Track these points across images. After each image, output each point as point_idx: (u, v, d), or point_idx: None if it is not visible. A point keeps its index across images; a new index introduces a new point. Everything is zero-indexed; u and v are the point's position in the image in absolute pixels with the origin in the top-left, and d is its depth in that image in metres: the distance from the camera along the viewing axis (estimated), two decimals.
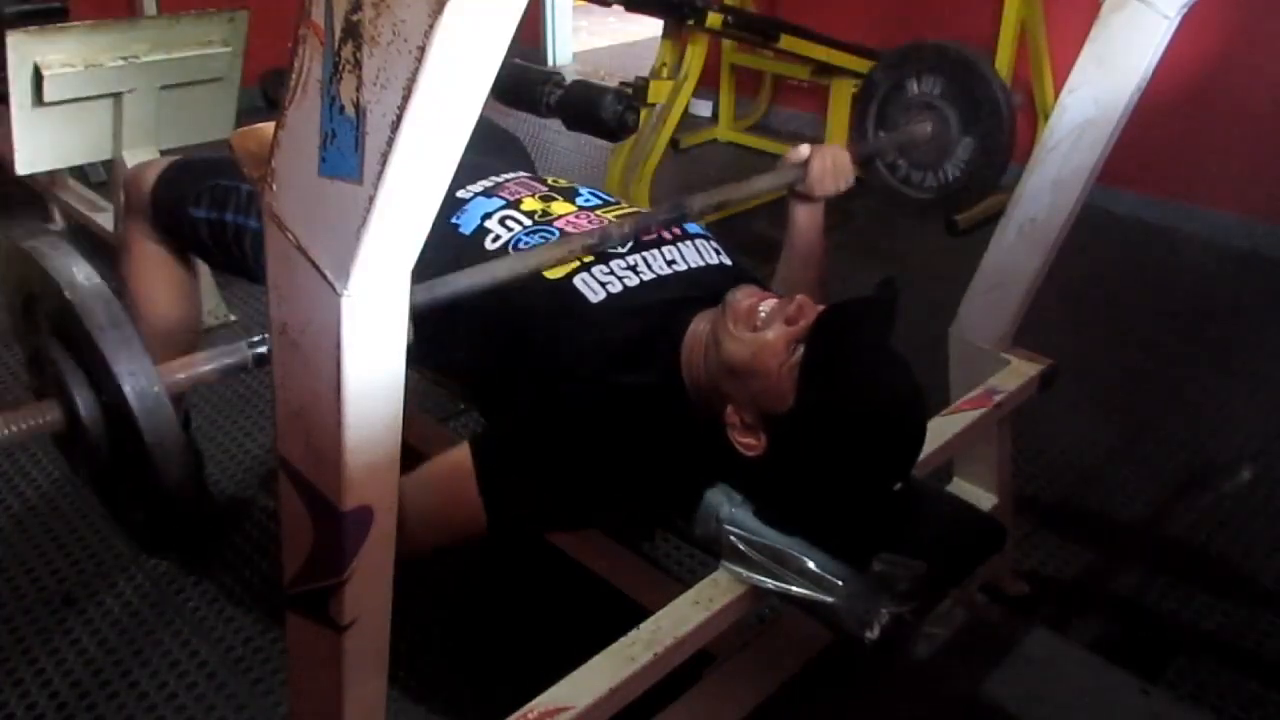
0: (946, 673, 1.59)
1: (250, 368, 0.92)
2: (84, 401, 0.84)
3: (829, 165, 1.39)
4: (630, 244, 1.27)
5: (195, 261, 1.57)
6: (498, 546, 1.82)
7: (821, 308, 1.07)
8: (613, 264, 1.24)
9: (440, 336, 1.21)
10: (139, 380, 0.79)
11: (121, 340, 0.79)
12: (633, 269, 1.24)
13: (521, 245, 1.25)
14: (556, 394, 1.16)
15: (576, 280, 1.21)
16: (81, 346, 0.82)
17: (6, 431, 0.84)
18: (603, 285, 1.21)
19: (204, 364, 0.91)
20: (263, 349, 0.91)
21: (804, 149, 1.41)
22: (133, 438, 0.80)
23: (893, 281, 1.08)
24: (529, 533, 1.62)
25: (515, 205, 1.32)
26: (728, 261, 1.34)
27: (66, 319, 0.81)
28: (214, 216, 1.42)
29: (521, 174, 1.43)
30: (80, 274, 0.81)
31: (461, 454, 1.12)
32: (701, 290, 1.24)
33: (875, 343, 1.07)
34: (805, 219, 1.43)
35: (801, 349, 1.04)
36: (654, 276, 1.25)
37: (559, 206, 1.33)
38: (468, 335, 1.24)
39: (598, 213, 1.32)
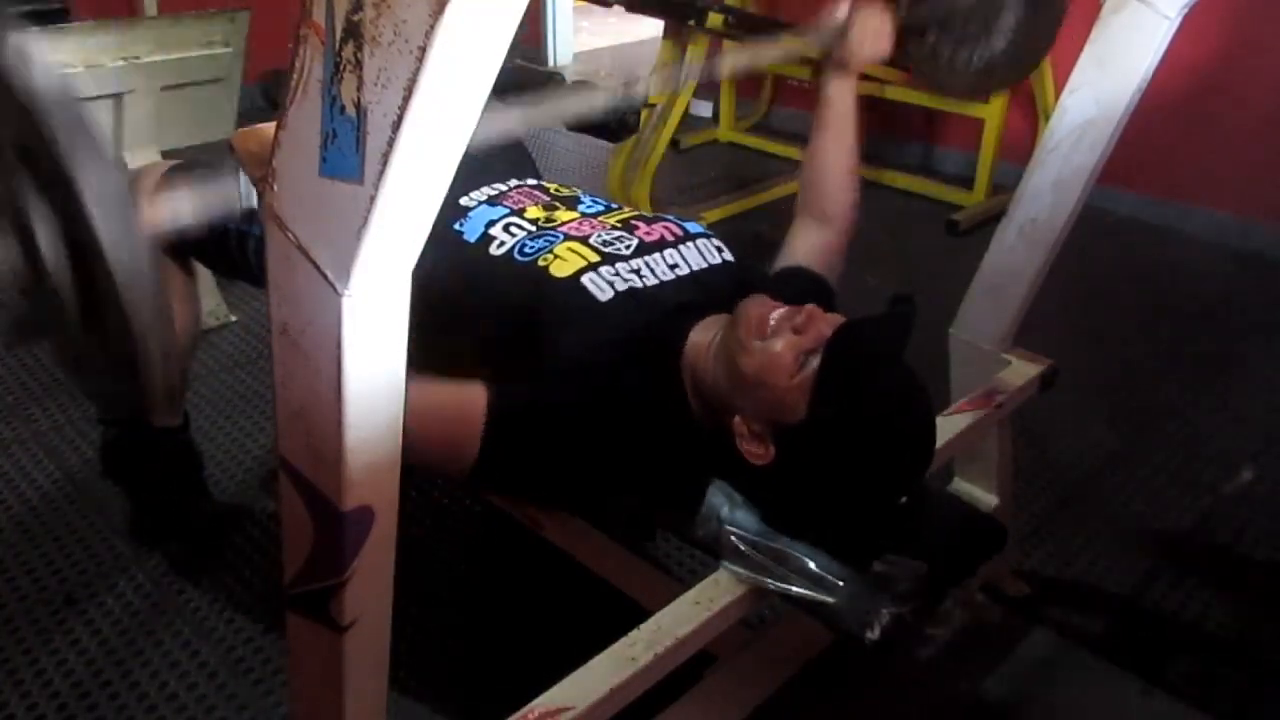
0: (947, 673, 1.59)
1: (237, 213, 0.81)
2: (45, 235, 0.71)
3: (870, 28, 1.34)
4: (634, 247, 1.28)
5: (194, 264, 1.57)
6: (497, 546, 1.83)
7: (832, 316, 1.07)
8: (618, 266, 1.25)
9: (445, 335, 1.21)
10: (107, 200, 0.65)
11: (95, 170, 0.65)
12: (636, 273, 1.25)
13: (527, 250, 1.26)
14: (564, 379, 1.15)
15: (584, 279, 1.21)
16: (44, 170, 0.68)
17: None
18: (610, 284, 1.22)
19: (188, 204, 0.80)
20: (253, 200, 0.79)
21: (843, 6, 1.35)
22: (104, 284, 0.68)
23: (910, 298, 1.08)
24: (505, 489, 1.59)
25: (519, 213, 1.33)
26: (730, 258, 1.34)
27: (28, 135, 0.67)
28: (215, 224, 1.41)
29: (526, 182, 1.43)
30: (42, 79, 0.66)
31: (477, 393, 1.11)
32: (704, 295, 1.24)
33: (890, 360, 1.07)
34: (839, 91, 1.38)
35: (813, 361, 1.04)
36: (656, 282, 1.25)
37: (562, 214, 1.34)
38: (473, 334, 1.24)
39: (600, 219, 1.33)
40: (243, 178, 0.83)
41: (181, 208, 0.83)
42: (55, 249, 0.72)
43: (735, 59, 1.21)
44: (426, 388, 1.07)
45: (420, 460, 1.13)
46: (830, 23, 1.35)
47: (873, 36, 1.35)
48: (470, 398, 1.11)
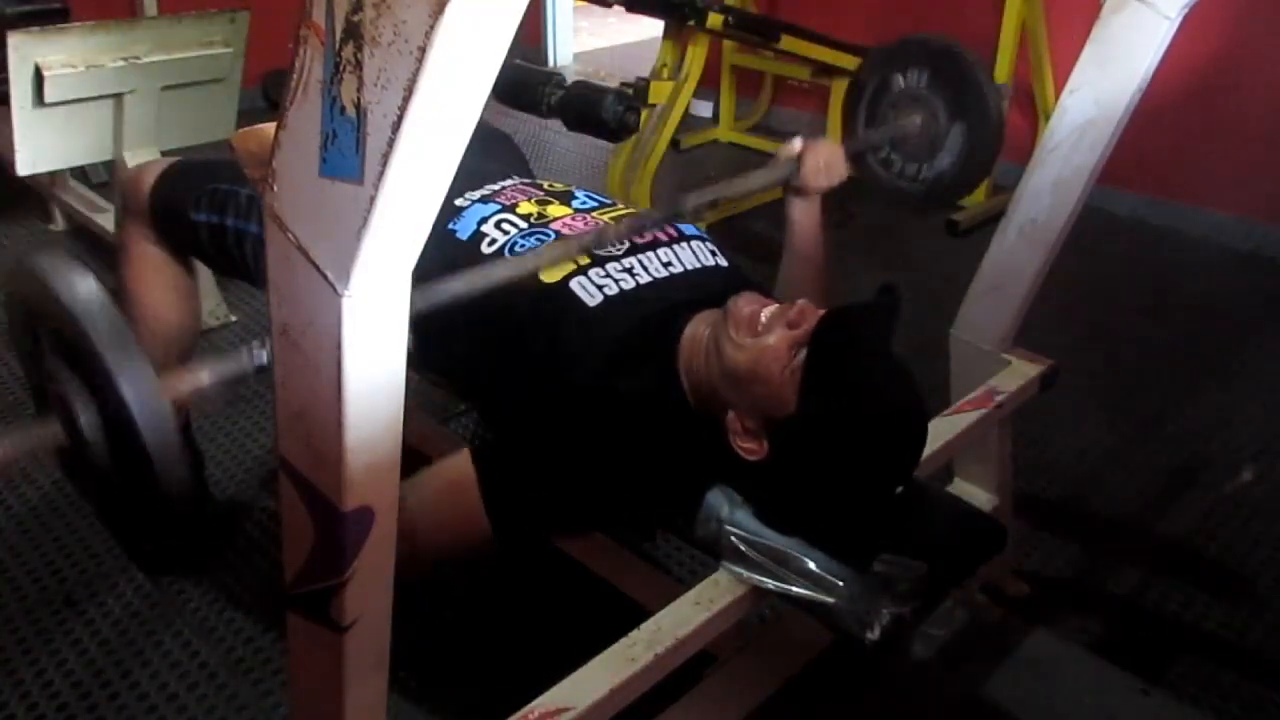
0: (947, 673, 1.59)
1: (250, 377, 0.92)
2: (86, 416, 0.84)
3: (821, 159, 1.39)
4: (626, 246, 1.28)
5: (194, 263, 1.57)
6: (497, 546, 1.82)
7: (823, 312, 1.07)
8: (609, 267, 1.24)
9: (439, 341, 1.21)
10: (141, 392, 0.78)
11: (124, 354, 0.79)
12: (629, 271, 1.24)
13: (518, 248, 1.25)
14: (555, 398, 1.16)
15: (573, 284, 1.21)
16: (83, 361, 0.82)
17: (10, 449, 0.84)
18: (599, 288, 1.21)
19: (205, 376, 0.91)
20: (263, 359, 0.91)
21: (796, 143, 1.41)
22: (135, 451, 0.80)
23: (894, 288, 1.08)
24: (536, 540, 1.62)
25: (511, 209, 1.32)
26: (724, 262, 1.34)
27: (68, 334, 0.81)
28: (214, 221, 1.41)
29: (518, 180, 1.43)
30: (82, 288, 0.81)
31: (463, 466, 1.12)
32: (699, 292, 1.24)
33: (877, 348, 1.07)
34: (802, 215, 1.43)
35: (803, 354, 1.04)
36: (650, 279, 1.25)
37: (555, 210, 1.33)
38: (466, 339, 1.24)
39: (594, 215, 1.32)
40: (253, 347, 0.93)
41: (199, 380, 0.92)
42: (95, 430, 0.84)
43: (697, 200, 1.31)
44: (411, 489, 1.09)
45: (446, 556, 1.16)
46: (785, 155, 1.41)
47: (825, 168, 1.40)
48: (457, 476, 1.12)
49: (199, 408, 0.96)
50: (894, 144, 1.75)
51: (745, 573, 1.10)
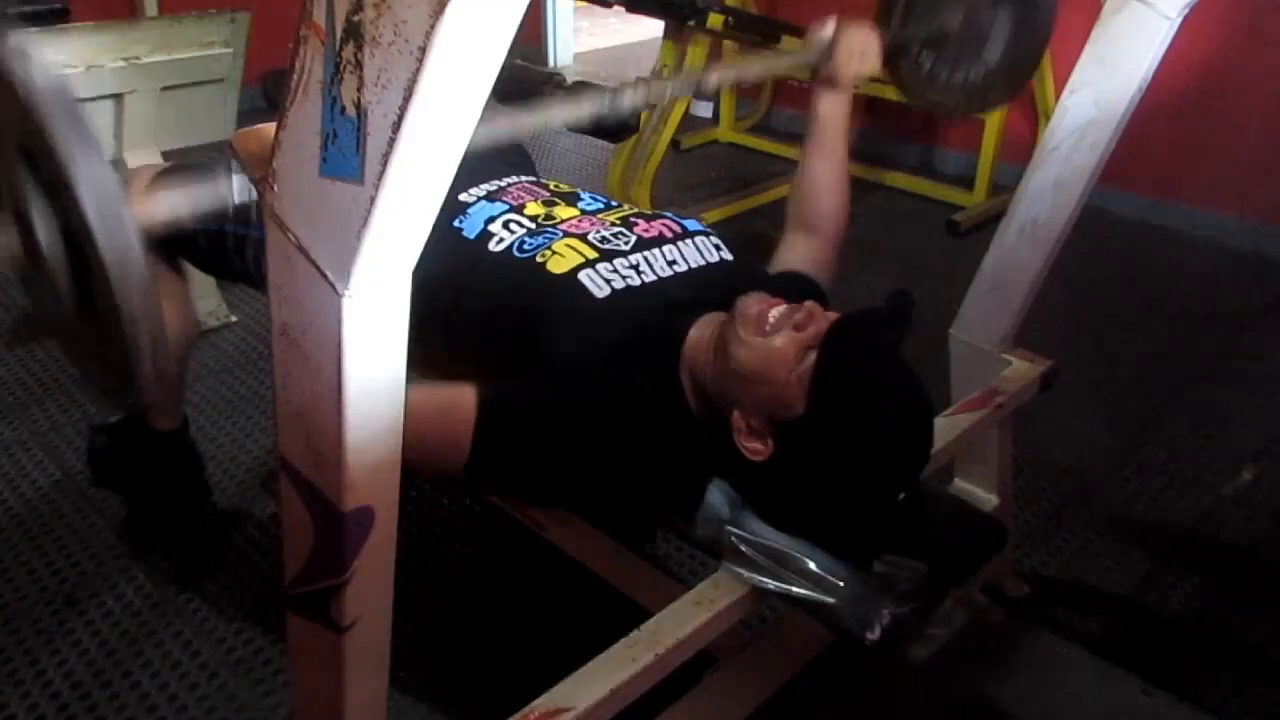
0: (948, 674, 1.59)
1: (229, 214, 0.85)
2: (43, 226, 0.74)
3: (857, 46, 1.34)
4: (633, 243, 1.28)
5: (183, 265, 1.56)
6: (497, 546, 1.83)
7: (832, 314, 1.07)
8: (616, 262, 1.25)
9: (444, 332, 1.21)
10: (101, 192, 0.67)
11: (86, 158, 0.67)
12: (635, 269, 1.25)
13: (526, 247, 1.26)
14: (560, 377, 1.16)
15: (581, 275, 1.22)
16: (42, 161, 0.70)
17: None
18: (607, 281, 1.22)
19: (180, 201, 0.81)
20: (246, 195, 0.81)
21: (830, 25, 1.35)
22: (94, 269, 0.69)
23: (907, 294, 1.08)
24: (500, 487, 1.59)
25: (519, 210, 1.33)
26: (728, 256, 1.34)
27: (28, 129, 0.69)
28: (213, 227, 1.40)
29: (524, 179, 1.43)
30: (39, 74, 0.68)
31: (468, 395, 1.11)
32: (702, 291, 1.24)
33: (888, 353, 1.07)
34: (829, 108, 1.39)
35: (812, 356, 1.04)
36: (655, 278, 1.25)
37: (562, 211, 1.34)
38: (471, 329, 1.24)
39: (600, 216, 1.33)
40: (235, 176, 0.83)
41: (173, 203, 0.84)
42: (52, 239, 0.73)
43: (723, 75, 1.20)
44: (418, 388, 1.08)
45: (414, 458, 1.13)
46: (817, 40, 1.36)
47: (859, 54, 1.36)
48: (462, 395, 1.12)
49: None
50: (931, 44, 1.61)
51: (746, 573, 1.10)
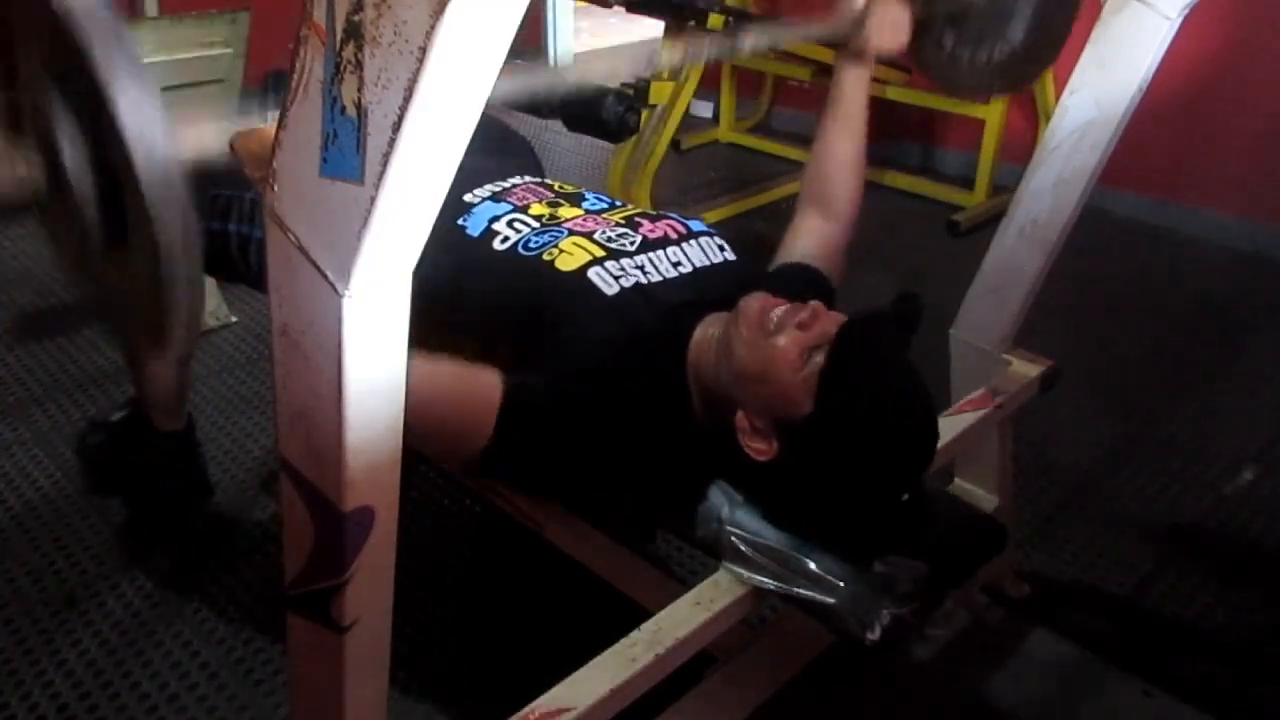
0: (948, 674, 1.59)
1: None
2: (71, 154, 0.69)
3: (889, 18, 1.35)
4: (638, 243, 1.28)
5: None
6: (497, 546, 1.83)
7: (836, 314, 1.07)
8: (623, 262, 1.25)
9: (447, 330, 1.21)
10: (144, 112, 0.62)
11: (130, 76, 0.62)
12: (640, 269, 1.25)
13: (531, 245, 1.26)
14: (578, 374, 1.15)
15: (591, 273, 1.22)
16: (79, 85, 0.64)
17: None
18: (616, 279, 1.22)
19: (215, 129, 0.79)
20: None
21: None
22: (130, 193, 0.63)
23: (917, 296, 1.08)
24: (510, 477, 1.59)
25: (523, 210, 1.33)
26: (732, 257, 1.34)
27: (62, 51, 0.63)
28: (216, 228, 1.39)
29: (529, 179, 1.44)
30: None
31: (493, 378, 1.10)
32: (707, 293, 1.24)
33: (896, 356, 1.08)
34: (853, 81, 1.39)
35: (818, 356, 1.04)
36: (660, 279, 1.25)
37: (566, 211, 1.34)
38: (476, 328, 1.24)
39: (604, 215, 1.33)
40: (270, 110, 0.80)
41: (217, 130, 0.82)
42: (81, 167, 0.69)
43: (756, 38, 1.19)
44: (441, 368, 1.07)
45: (432, 440, 1.13)
46: (848, 12, 1.35)
47: (891, 27, 1.35)
48: (487, 381, 1.11)
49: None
50: (954, 21, 1.58)
51: (746, 573, 1.10)
